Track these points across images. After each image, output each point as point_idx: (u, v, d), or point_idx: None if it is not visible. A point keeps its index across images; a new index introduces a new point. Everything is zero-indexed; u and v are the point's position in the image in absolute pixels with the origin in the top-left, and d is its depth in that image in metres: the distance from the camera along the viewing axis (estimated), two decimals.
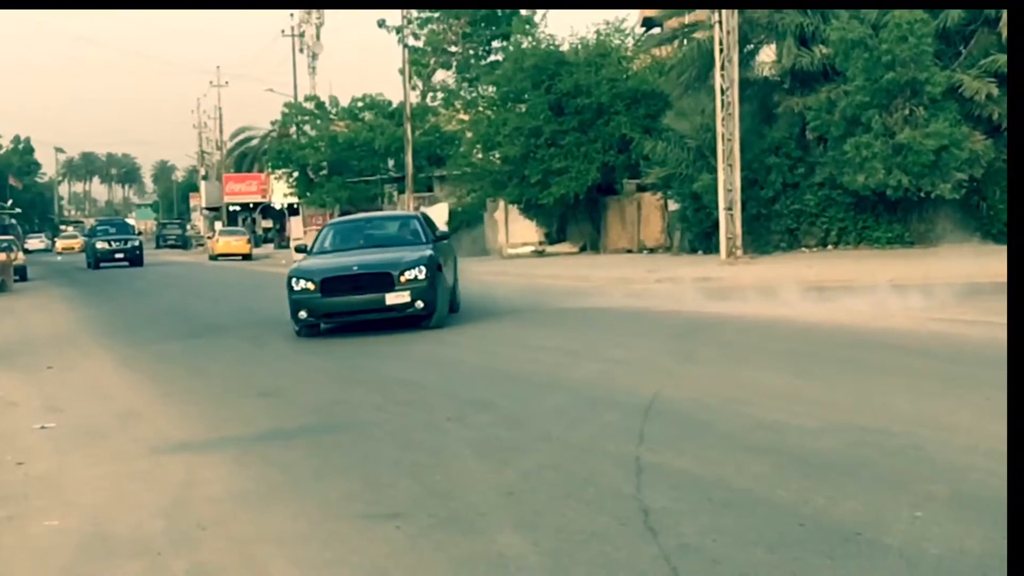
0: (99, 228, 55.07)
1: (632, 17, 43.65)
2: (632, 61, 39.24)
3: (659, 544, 5.96)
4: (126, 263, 49.51)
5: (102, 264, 49.16)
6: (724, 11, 28.60)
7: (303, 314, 16.46)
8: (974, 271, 20.66)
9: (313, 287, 16.39)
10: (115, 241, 50.85)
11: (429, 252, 17.13)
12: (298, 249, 19.04)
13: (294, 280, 16.55)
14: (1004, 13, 24.43)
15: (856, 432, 8.32)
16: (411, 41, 55.84)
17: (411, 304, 16.37)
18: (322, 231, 19.11)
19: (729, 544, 5.90)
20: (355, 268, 16.67)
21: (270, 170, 68.43)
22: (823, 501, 6.57)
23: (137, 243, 51.52)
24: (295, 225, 67.91)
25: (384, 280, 16.41)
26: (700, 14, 32.59)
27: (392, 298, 16.33)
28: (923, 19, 26.22)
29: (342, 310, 16.59)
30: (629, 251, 36.96)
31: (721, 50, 28.64)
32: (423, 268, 16.54)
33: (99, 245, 50.54)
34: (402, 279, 16.32)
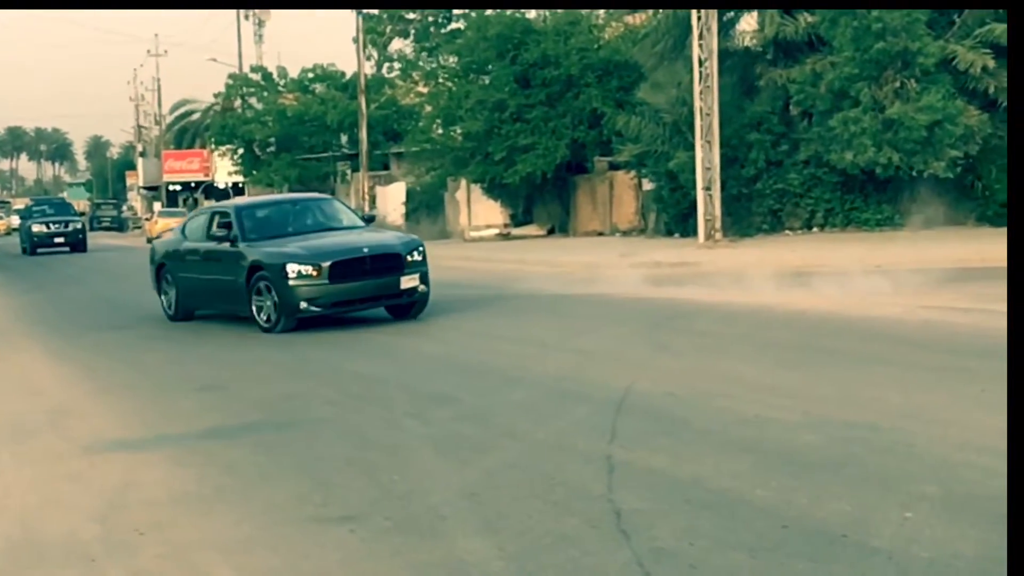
0: (35, 209, 53.07)
1: None
2: (604, 30, 39.24)
3: (632, 548, 5.99)
4: (67, 248, 47.87)
5: (39, 250, 47.55)
6: None
7: (304, 305, 15.68)
8: (968, 255, 20.85)
9: (317, 273, 15.67)
10: (54, 223, 49.15)
11: (413, 235, 17.34)
12: (214, 237, 17.20)
13: (289, 267, 15.68)
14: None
15: (842, 427, 8.37)
16: (365, 7, 55.66)
17: (417, 288, 16.36)
18: (239, 214, 17.27)
19: (707, 547, 5.93)
20: (365, 250, 16.20)
21: (213, 147, 68.06)
22: (807, 501, 6.61)
23: (79, 226, 50.00)
24: None
25: (396, 262, 16.17)
26: None
27: (405, 281, 16.19)
28: None
29: (354, 297, 16.04)
30: (600, 234, 37.03)
31: (699, 18, 28.65)
32: (421, 249, 16.65)
33: (35, 228, 48.90)
34: (408, 260, 16.27)
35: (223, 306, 17.46)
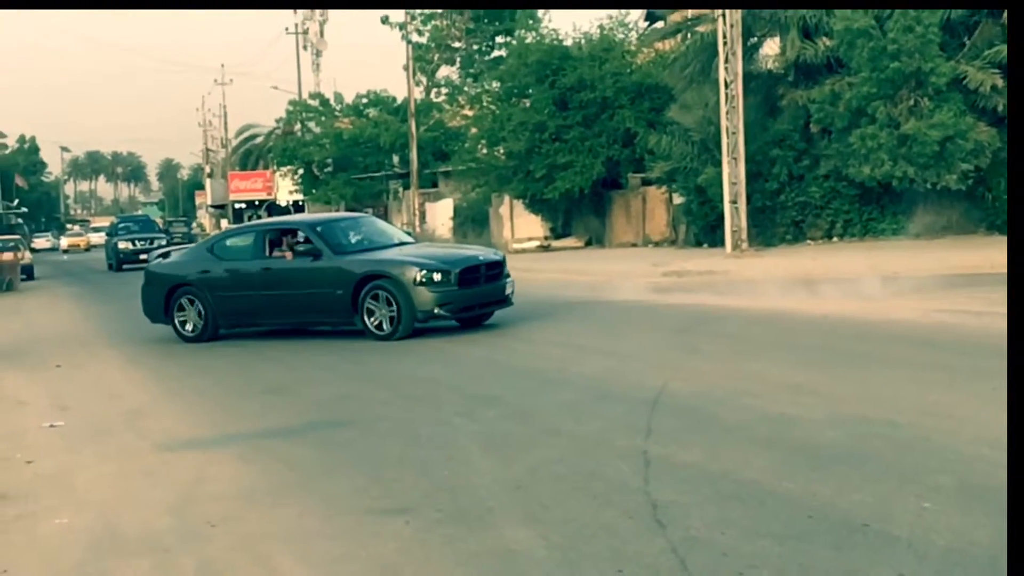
0: (120, 226, 50.03)
1: (635, 11, 43.63)
2: (636, 55, 39.20)
3: (667, 537, 5.97)
4: None
5: (125, 266, 44.33)
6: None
7: (438, 310, 15.57)
8: (979, 262, 20.66)
9: (447, 279, 15.59)
10: (140, 240, 46.04)
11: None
12: (297, 252, 16.59)
13: (420, 274, 15.49)
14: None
15: (862, 424, 8.32)
16: (415, 37, 55.78)
17: (511, 295, 16.69)
18: (319, 230, 16.72)
19: (737, 536, 5.91)
20: (480, 258, 16.44)
21: (275, 167, 68.38)
22: (830, 493, 6.57)
23: (164, 242, 45.71)
24: None
25: (501, 269, 16.57)
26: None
27: (508, 288, 16.55)
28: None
29: (478, 302, 16.18)
30: (634, 245, 36.95)
31: (725, 43, 28.60)
32: (505, 259, 17.05)
33: (121, 245, 46.17)
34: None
35: (298, 319, 16.91)
